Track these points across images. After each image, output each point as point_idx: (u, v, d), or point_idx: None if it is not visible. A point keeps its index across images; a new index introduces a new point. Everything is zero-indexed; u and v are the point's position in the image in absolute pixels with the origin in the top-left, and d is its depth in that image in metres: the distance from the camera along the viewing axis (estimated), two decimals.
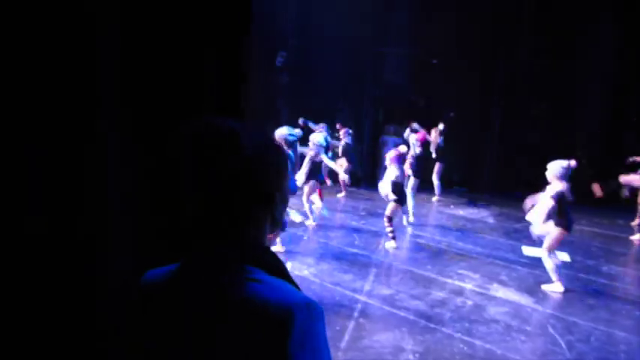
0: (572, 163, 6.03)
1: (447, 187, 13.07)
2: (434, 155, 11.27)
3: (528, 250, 7.79)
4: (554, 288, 6.01)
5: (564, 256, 7.60)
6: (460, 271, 6.53)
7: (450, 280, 6.19)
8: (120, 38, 1.42)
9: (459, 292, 5.92)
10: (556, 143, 12.71)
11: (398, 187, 7.39)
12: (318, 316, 0.97)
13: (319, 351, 0.95)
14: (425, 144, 10.29)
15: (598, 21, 11.99)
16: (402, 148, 8.28)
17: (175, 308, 1.02)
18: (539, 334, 4.92)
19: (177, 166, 1.03)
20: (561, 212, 5.84)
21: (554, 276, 5.98)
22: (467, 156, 13.40)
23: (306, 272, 6.18)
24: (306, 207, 8.14)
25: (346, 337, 4.55)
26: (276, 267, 1.03)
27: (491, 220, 9.92)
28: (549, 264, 6.00)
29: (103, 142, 1.36)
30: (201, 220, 1.04)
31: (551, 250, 5.96)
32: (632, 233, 8.99)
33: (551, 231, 5.89)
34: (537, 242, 8.28)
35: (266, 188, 1.06)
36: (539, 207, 5.95)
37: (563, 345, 4.67)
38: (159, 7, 1.48)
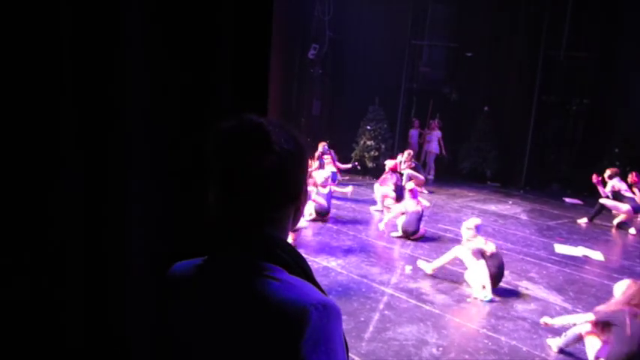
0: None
1: (480, 182, 12.95)
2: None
3: (561, 248, 7.66)
4: None
5: (598, 255, 7.44)
6: None
7: None
8: (142, 28, 1.47)
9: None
10: (593, 139, 12.39)
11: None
12: (334, 316, 0.96)
13: (334, 352, 0.94)
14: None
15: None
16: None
17: (197, 302, 1.05)
18: None
19: (207, 162, 1.03)
20: None
21: None
22: (501, 151, 13.20)
23: (333, 264, 6.24)
24: None
25: (370, 328, 4.60)
26: (298, 266, 1.04)
27: (524, 217, 9.77)
28: None
29: (128, 136, 1.43)
30: (227, 216, 1.04)
31: None
32: None
33: None
34: (570, 240, 8.14)
35: (294, 186, 1.07)
36: None
37: None
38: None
